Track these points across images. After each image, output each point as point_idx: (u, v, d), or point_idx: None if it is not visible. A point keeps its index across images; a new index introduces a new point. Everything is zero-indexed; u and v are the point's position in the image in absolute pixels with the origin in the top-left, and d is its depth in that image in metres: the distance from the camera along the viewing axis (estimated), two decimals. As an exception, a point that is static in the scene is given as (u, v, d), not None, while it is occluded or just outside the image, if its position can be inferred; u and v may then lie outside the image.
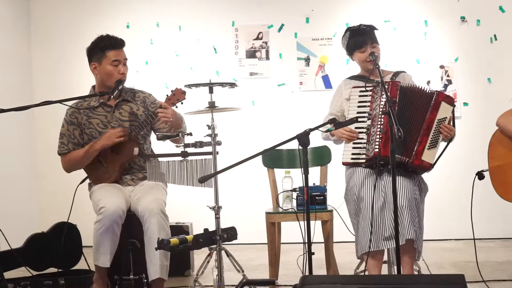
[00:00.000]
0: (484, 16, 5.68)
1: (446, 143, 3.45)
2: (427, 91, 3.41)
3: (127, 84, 3.80)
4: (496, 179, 3.61)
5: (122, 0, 6.03)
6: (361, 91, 3.51)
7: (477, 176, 3.62)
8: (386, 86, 3.31)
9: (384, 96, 3.30)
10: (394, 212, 3.02)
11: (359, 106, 3.49)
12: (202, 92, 3.69)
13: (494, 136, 3.68)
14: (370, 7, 5.80)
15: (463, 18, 5.73)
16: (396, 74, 3.66)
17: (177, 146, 3.54)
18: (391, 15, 5.76)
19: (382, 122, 3.32)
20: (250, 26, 5.91)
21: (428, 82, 5.65)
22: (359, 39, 3.59)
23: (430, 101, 3.36)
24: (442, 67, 5.76)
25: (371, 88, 3.48)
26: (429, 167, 3.36)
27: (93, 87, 3.79)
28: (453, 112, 3.43)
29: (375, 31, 3.65)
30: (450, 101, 3.42)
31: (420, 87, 3.43)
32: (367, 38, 3.58)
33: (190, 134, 3.52)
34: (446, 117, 3.38)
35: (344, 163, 3.53)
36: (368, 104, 3.46)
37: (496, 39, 5.68)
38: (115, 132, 3.61)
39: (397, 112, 3.20)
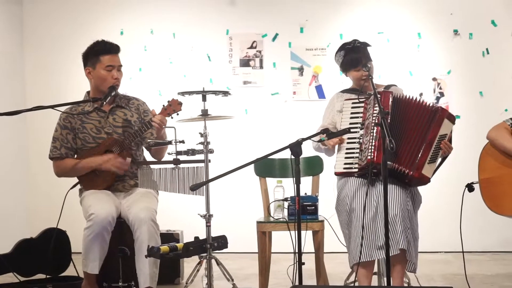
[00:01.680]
0: (477, 29, 5.73)
1: (441, 159, 3.48)
2: (428, 105, 3.43)
3: (121, 90, 3.80)
4: (486, 192, 3.63)
5: (117, 7, 6.03)
6: (353, 103, 3.53)
7: (467, 188, 3.63)
8: (379, 97, 3.33)
9: (377, 106, 3.32)
10: (385, 222, 3.02)
11: (351, 117, 3.52)
12: (195, 100, 3.69)
13: (485, 149, 3.70)
14: (364, 19, 5.82)
15: (456, 31, 5.76)
16: (388, 87, 3.69)
17: (169, 154, 3.53)
18: (384, 27, 5.79)
19: (375, 130, 3.34)
20: (244, 34, 5.92)
21: (421, 94, 5.68)
22: (354, 57, 3.60)
23: (434, 116, 3.38)
24: (434, 79, 5.79)
25: (364, 99, 3.50)
26: (427, 181, 3.39)
27: (88, 92, 3.79)
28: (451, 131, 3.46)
29: (368, 47, 3.67)
30: (453, 119, 3.46)
31: (417, 99, 3.45)
32: (362, 57, 3.60)
33: (182, 141, 3.51)
34: (447, 134, 3.42)
35: (336, 173, 3.54)
36: (361, 115, 3.48)
37: (488, 53, 5.72)
38: (114, 160, 3.58)
39: (389, 122, 3.22)
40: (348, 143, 3.49)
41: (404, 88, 3.82)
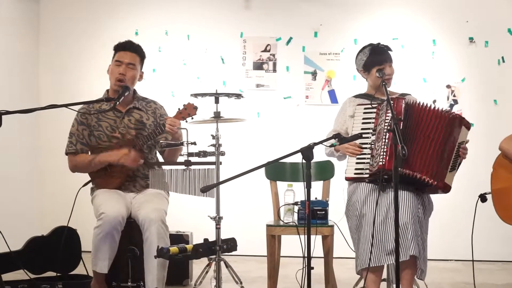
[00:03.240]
0: (493, 37, 5.69)
1: (458, 166, 3.47)
2: (444, 112, 3.41)
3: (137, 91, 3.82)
4: (498, 202, 3.61)
5: (132, 7, 6.06)
6: (365, 108, 3.52)
7: (479, 199, 3.62)
8: (392, 103, 3.32)
9: (390, 112, 3.31)
10: (395, 228, 3.01)
11: (363, 123, 3.51)
12: (208, 102, 3.70)
13: (498, 159, 3.68)
14: (378, 24, 5.81)
15: (471, 39, 5.73)
16: (402, 95, 3.67)
17: (181, 155, 3.53)
18: (399, 33, 5.77)
19: (387, 137, 3.32)
20: (258, 38, 5.93)
21: (434, 101, 5.65)
22: (380, 57, 3.63)
23: (453, 124, 3.38)
24: (448, 86, 5.76)
25: (376, 105, 3.49)
26: (449, 189, 3.40)
27: (107, 90, 3.81)
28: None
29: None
30: (468, 126, 3.48)
31: (431, 106, 3.43)
32: (387, 57, 3.63)
33: (194, 143, 3.52)
34: (464, 141, 3.43)
35: (347, 178, 3.53)
36: (373, 120, 3.47)
37: (503, 61, 5.69)
38: (129, 154, 3.59)
39: (401, 128, 3.22)
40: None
41: (418, 95, 3.81)
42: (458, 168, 3.47)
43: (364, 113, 3.52)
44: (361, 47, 3.74)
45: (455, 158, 3.38)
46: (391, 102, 3.31)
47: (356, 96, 3.74)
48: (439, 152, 3.35)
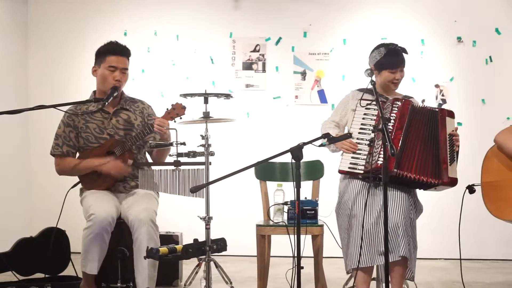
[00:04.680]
0: (480, 37, 5.73)
1: (457, 155, 3.49)
2: (427, 109, 3.47)
3: (123, 91, 3.80)
4: (488, 195, 3.61)
5: (121, 8, 6.04)
6: (368, 104, 3.53)
7: (467, 190, 3.62)
8: (399, 103, 3.41)
9: (394, 112, 3.37)
10: (385, 229, 3.02)
11: (364, 118, 3.52)
12: (197, 102, 3.69)
13: (491, 151, 3.68)
14: (367, 24, 5.83)
15: (459, 39, 5.76)
16: (406, 97, 3.67)
17: (170, 155, 3.52)
18: (388, 33, 5.78)
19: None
20: (248, 38, 5.93)
21: (423, 101, 5.67)
22: (395, 60, 3.60)
23: (436, 119, 3.41)
24: (437, 86, 5.79)
25: (379, 103, 3.49)
26: (456, 182, 3.41)
27: (94, 92, 3.80)
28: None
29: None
30: (452, 115, 3.50)
31: (424, 107, 3.50)
32: (400, 62, 3.60)
33: (184, 143, 3.51)
34: (453, 130, 3.47)
35: (340, 171, 3.52)
36: (374, 117, 3.48)
37: (491, 61, 5.72)
38: (120, 166, 3.59)
39: (408, 129, 3.32)
40: (357, 143, 3.49)
41: (407, 93, 3.82)
42: (457, 158, 3.47)
43: (366, 108, 3.53)
44: (378, 44, 3.71)
45: (451, 150, 3.40)
46: (398, 103, 3.39)
47: (360, 90, 3.71)
48: (434, 150, 3.37)
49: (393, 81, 3.60)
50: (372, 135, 3.44)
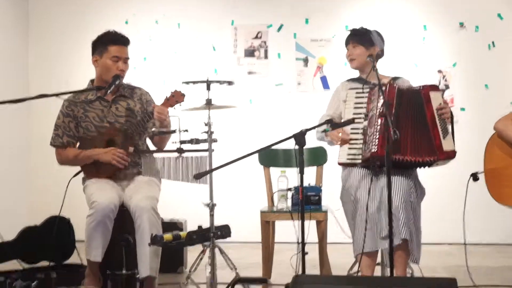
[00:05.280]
0: (483, 22, 5.70)
1: (451, 125, 3.47)
2: (412, 89, 3.46)
3: (125, 80, 3.80)
4: (491, 182, 3.62)
5: (122, -4, 6.02)
6: (357, 93, 3.53)
7: (471, 178, 3.63)
8: (384, 89, 3.33)
9: (381, 97, 3.32)
10: (389, 213, 3.02)
11: (355, 107, 3.51)
12: (199, 89, 3.69)
13: (492, 139, 3.69)
14: (369, 10, 5.80)
15: (461, 24, 5.74)
16: (395, 79, 3.67)
17: (173, 142, 3.52)
18: (390, 18, 5.76)
19: (379, 123, 3.33)
20: (249, 25, 5.91)
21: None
22: (347, 36, 3.72)
23: (420, 96, 3.40)
24: (440, 71, 5.77)
25: (368, 89, 3.49)
26: (453, 154, 3.39)
27: (92, 81, 3.79)
28: (442, 95, 3.48)
29: (371, 35, 3.67)
30: (436, 88, 3.48)
31: (411, 88, 3.47)
32: (349, 39, 3.70)
33: (186, 130, 3.51)
34: (441, 103, 3.43)
35: (340, 163, 3.53)
36: (365, 105, 3.47)
37: (494, 46, 5.70)
38: (120, 155, 3.59)
39: (397, 113, 3.24)
40: (351, 133, 3.48)
41: (410, 80, 3.81)
42: (453, 129, 3.45)
43: (356, 97, 3.52)
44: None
45: (441, 124, 3.38)
46: (383, 87, 3.32)
47: (349, 80, 3.74)
48: (424, 128, 3.36)
49: (348, 58, 3.67)
50: (365, 123, 3.43)
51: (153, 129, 3.59)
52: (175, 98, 3.52)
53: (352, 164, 3.47)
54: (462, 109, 5.72)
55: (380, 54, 3.69)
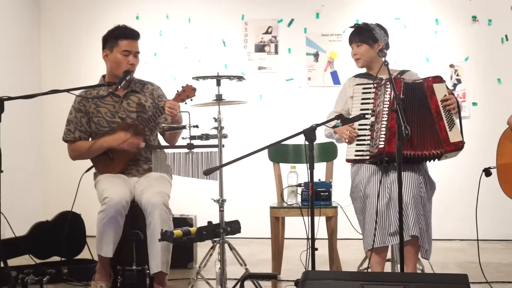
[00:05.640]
0: (496, 16, 5.64)
1: (458, 116, 3.44)
2: (415, 82, 3.44)
3: (136, 75, 3.80)
4: (503, 177, 3.58)
5: (132, -9, 6.03)
6: (364, 88, 3.51)
7: (484, 173, 3.59)
8: (390, 84, 3.33)
9: (387, 92, 3.32)
10: (399, 209, 3.01)
11: (362, 103, 3.50)
12: (209, 84, 3.68)
13: (504, 134, 3.64)
14: (380, 4, 5.77)
15: (474, 18, 5.69)
16: (402, 72, 3.65)
17: (183, 138, 3.52)
18: (401, 13, 5.72)
19: (386, 119, 3.31)
20: (260, 20, 5.89)
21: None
22: (351, 35, 3.67)
23: (424, 89, 3.39)
24: (452, 66, 5.72)
25: (375, 85, 3.47)
26: (461, 145, 3.36)
27: (103, 76, 3.79)
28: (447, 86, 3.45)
29: (374, 31, 3.63)
30: (439, 79, 3.44)
31: (416, 81, 3.45)
32: (352, 38, 3.65)
33: (196, 126, 3.51)
34: (446, 95, 3.40)
35: (348, 160, 3.52)
36: (372, 101, 3.45)
37: (507, 39, 5.64)
38: (127, 139, 3.59)
39: (403, 107, 3.22)
40: (359, 129, 3.46)
41: (421, 75, 3.78)
42: (460, 120, 3.42)
43: (363, 93, 3.51)
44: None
45: (447, 116, 3.35)
46: (389, 82, 3.31)
47: (356, 76, 3.72)
48: (429, 121, 3.34)
49: (353, 57, 3.64)
50: (372, 119, 3.42)
51: (163, 125, 3.59)
52: (186, 92, 3.52)
53: (360, 160, 3.46)
54: (474, 103, 5.68)
55: (385, 48, 3.67)
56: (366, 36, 3.61)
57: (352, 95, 3.57)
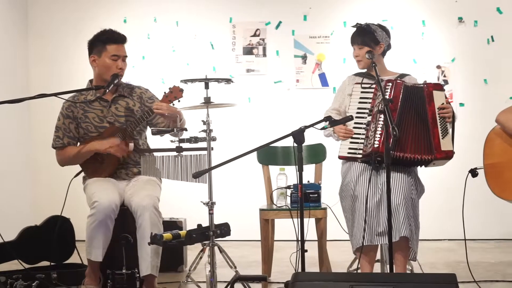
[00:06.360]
0: (482, 17, 5.69)
1: (451, 127, 3.47)
2: (414, 86, 3.46)
3: (124, 79, 3.80)
4: (491, 177, 3.59)
5: (120, -5, 6.02)
6: (363, 87, 3.52)
7: (470, 174, 3.61)
8: (390, 85, 3.40)
9: (387, 94, 3.35)
10: (388, 209, 3.03)
11: (360, 102, 3.52)
12: (198, 87, 3.69)
13: (492, 132, 3.64)
14: (368, 6, 5.80)
15: (460, 19, 5.73)
16: (402, 76, 3.67)
17: (171, 141, 3.52)
18: (388, 14, 5.75)
19: (382, 119, 3.33)
20: (248, 22, 5.90)
21: (425, 82, 5.65)
22: (352, 37, 3.67)
23: (423, 94, 3.40)
24: (439, 67, 5.76)
25: (374, 85, 3.48)
26: (451, 154, 3.39)
27: (90, 81, 3.78)
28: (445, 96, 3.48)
29: (375, 33, 3.64)
30: (440, 87, 3.48)
31: (415, 85, 3.47)
32: (354, 40, 3.65)
33: (185, 129, 3.51)
34: (443, 103, 3.43)
35: (340, 157, 3.53)
36: (370, 100, 3.47)
37: (493, 40, 5.69)
38: (114, 144, 3.58)
39: (399, 111, 3.27)
40: (354, 128, 3.49)
41: (417, 79, 3.80)
42: (453, 130, 3.45)
43: (362, 92, 3.52)
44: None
45: (441, 124, 3.38)
46: (389, 84, 3.38)
47: (356, 75, 3.72)
48: (424, 126, 3.37)
49: (355, 58, 3.64)
50: (369, 118, 3.44)
51: (151, 128, 3.59)
52: (174, 94, 3.52)
53: (352, 158, 3.48)
54: (461, 104, 5.72)
55: (387, 49, 3.70)
56: (368, 38, 3.62)
57: (351, 93, 3.58)
